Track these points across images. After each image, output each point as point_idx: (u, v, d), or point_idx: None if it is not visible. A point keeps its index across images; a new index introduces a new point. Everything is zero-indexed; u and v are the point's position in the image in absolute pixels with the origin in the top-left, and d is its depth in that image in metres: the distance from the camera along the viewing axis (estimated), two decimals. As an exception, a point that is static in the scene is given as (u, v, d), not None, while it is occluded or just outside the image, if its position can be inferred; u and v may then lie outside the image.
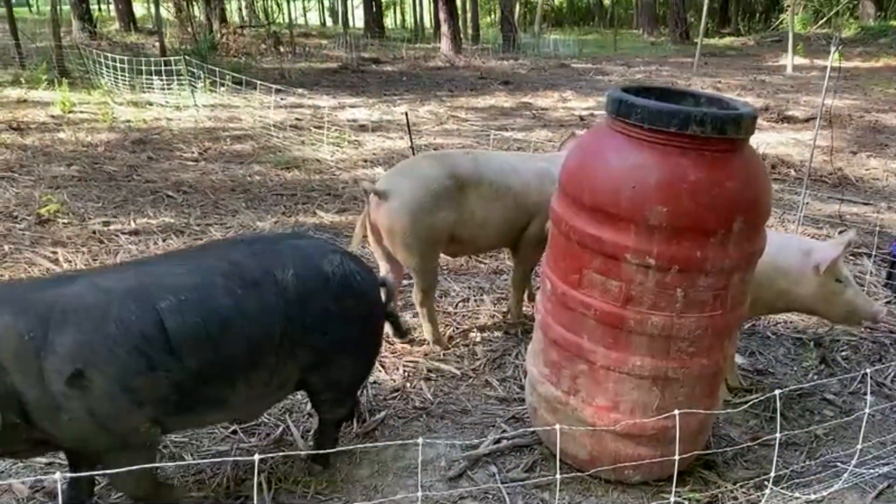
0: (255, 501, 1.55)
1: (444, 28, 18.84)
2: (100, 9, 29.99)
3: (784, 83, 14.55)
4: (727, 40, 25.57)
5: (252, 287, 2.26)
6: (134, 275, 2.21)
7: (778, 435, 2.01)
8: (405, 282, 4.03)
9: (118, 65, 11.34)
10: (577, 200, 2.51)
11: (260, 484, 2.59)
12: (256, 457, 1.55)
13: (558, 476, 1.80)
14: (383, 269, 3.68)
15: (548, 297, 2.73)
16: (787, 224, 5.74)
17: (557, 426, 1.84)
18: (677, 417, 1.85)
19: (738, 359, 3.62)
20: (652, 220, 2.31)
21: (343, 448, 2.86)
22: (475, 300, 4.33)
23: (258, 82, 9.73)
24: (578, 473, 2.72)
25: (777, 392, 1.94)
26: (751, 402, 3.04)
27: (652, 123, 2.33)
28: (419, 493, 1.69)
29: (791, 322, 4.13)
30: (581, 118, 10.56)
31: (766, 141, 8.70)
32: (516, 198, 3.53)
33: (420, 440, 1.84)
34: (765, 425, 3.16)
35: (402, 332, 3.09)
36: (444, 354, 3.68)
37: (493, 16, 33.19)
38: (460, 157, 3.55)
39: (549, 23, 33.48)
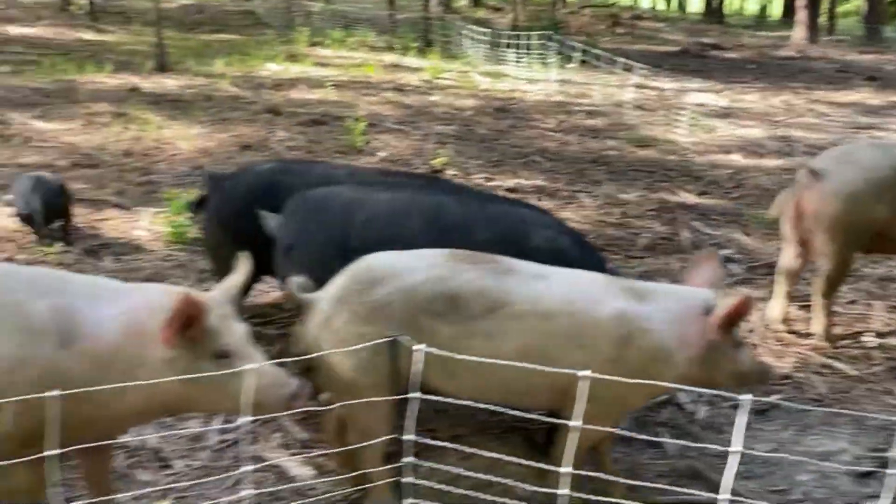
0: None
1: (801, 15, 17.46)
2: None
3: None
4: None
5: None
6: None
7: None
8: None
9: (475, 37, 12.25)
10: None
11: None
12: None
13: None
14: (789, 252, 3.55)
15: None
16: None
17: None
18: None
19: None
20: None
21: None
22: (863, 303, 4.04)
23: (618, 59, 9.85)
24: None
25: None
26: None
27: None
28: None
29: None
30: (972, 124, 9.18)
31: None
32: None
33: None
34: None
35: None
36: (833, 352, 3.50)
37: (851, 3, 29.92)
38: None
39: (921, 14, 29.33)
